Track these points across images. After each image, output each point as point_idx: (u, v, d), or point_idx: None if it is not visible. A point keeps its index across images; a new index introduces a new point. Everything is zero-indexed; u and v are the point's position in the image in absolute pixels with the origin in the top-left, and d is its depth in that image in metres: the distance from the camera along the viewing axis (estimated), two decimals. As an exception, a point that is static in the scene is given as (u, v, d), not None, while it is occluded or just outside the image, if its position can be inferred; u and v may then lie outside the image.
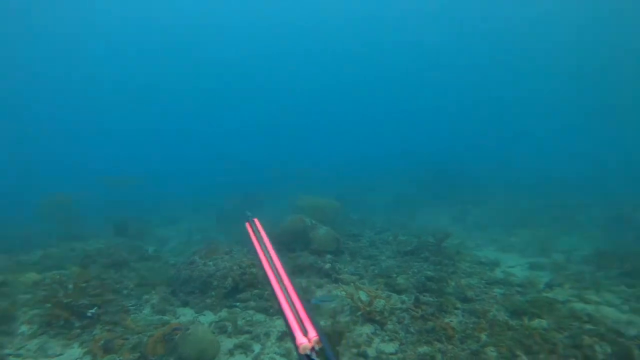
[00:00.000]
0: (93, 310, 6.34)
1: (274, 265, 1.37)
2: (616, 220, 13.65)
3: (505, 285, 8.23)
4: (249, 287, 7.39)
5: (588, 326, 5.90)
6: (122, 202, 19.88)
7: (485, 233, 13.45)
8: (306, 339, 1.00)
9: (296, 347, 0.98)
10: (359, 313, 6.55)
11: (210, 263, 7.51)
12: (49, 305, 6.26)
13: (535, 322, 6.13)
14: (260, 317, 6.72)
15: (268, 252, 1.43)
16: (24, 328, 6.06)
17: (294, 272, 8.60)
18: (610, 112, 45.76)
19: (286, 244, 10.00)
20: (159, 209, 18.90)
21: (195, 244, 12.80)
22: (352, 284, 7.63)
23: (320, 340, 1.00)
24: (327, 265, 8.58)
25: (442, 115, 56.88)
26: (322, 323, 5.88)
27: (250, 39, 56.39)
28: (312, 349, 0.99)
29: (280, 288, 1.25)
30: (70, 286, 6.59)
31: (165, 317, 6.75)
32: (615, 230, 12.44)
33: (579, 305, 6.95)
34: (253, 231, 1.55)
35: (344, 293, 7.45)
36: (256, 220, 1.61)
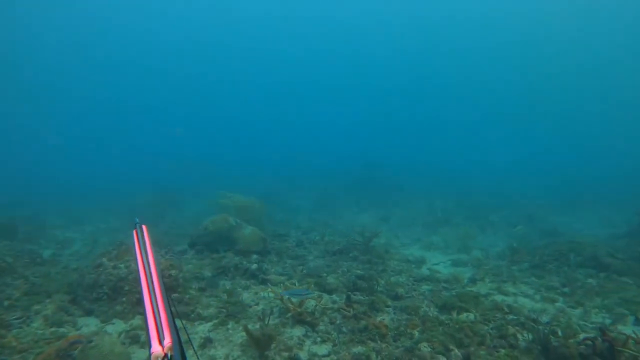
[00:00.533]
0: (-41, 327, 5.12)
1: (150, 272, 1.29)
2: (527, 219, 15.24)
3: (432, 282, 8.52)
4: (168, 291, 6.61)
5: (511, 316, 6.29)
6: (11, 200, 17.10)
7: (408, 232, 14.03)
8: (160, 347, 0.97)
9: (149, 356, 0.95)
10: (289, 315, 6.22)
11: (122, 265, 6.58)
12: None
13: (464, 316, 6.36)
14: (179, 323, 6.02)
15: (147, 259, 1.37)
16: None
17: (218, 273, 8.00)
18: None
19: (209, 245, 9.30)
20: (59, 209, 16.55)
21: (102, 247, 11.38)
22: (281, 284, 7.26)
23: (171, 348, 0.98)
24: (254, 266, 8.11)
25: (370, 121, 59.07)
26: (250, 326, 5.43)
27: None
28: (165, 356, 0.96)
29: (150, 294, 1.17)
30: None
31: (63, 329, 5.72)
32: (526, 228, 13.79)
33: (499, 298, 7.42)
34: (138, 238, 1.50)
35: (272, 294, 7.07)
36: (144, 227, 1.58)
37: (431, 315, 6.52)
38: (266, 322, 5.81)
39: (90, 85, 53.48)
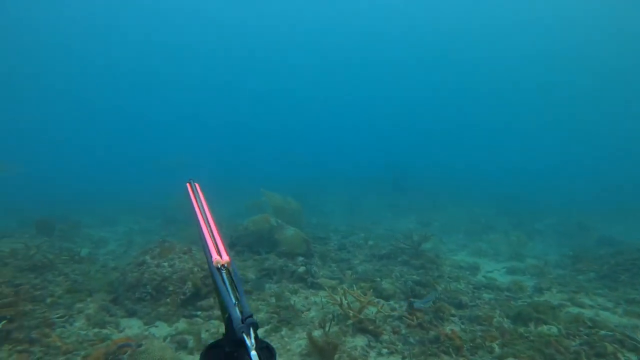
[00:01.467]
0: None
1: (204, 211, 1.37)
2: (578, 227, 14.19)
3: (493, 290, 7.82)
4: (213, 292, 6.12)
5: (603, 332, 5.49)
6: (45, 201, 17.20)
7: (452, 238, 13.24)
8: (220, 258, 1.14)
9: (210, 262, 1.14)
10: (349, 322, 5.61)
11: (165, 264, 6.14)
12: None
13: (544, 329, 5.61)
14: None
15: (202, 204, 1.41)
16: None
17: (262, 276, 7.48)
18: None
19: (250, 246, 8.81)
20: (91, 209, 16.49)
21: (138, 248, 11.09)
22: (339, 289, 6.66)
23: (230, 264, 1.16)
24: (301, 269, 7.55)
25: (404, 125, 57.85)
26: (314, 334, 4.87)
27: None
28: (223, 266, 1.14)
29: (206, 224, 1.29)
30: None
31: (105, 331, 5.29)
32: (578, 236, 12.81)
33: (574, 310, 6.61)
34: (192, 191, 1.51)
35: (323, 300, 6.49)
36: (197, 185, 1.55)
37: (506, 326, 5.80)
38: (327, 330, 5.22)
39: (118, 88, 54.48)
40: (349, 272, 8.24)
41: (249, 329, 0.92)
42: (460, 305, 6.72)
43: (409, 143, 51.12)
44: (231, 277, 1.13)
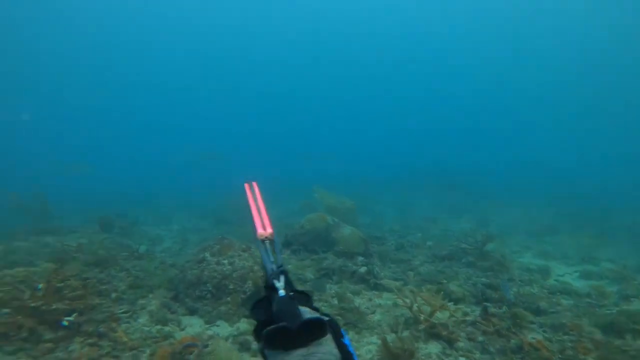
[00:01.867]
0: (71, 318, 4.71)
1: (257, 198, 1.63)
2: None
3: (570, 295, 7.03)
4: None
5: None
6: (103, 198, 18.01)
7: (513, 239, 12.24)
8: (264, 231, 1.42)
9: (255, 235, 1.41)
10: (421, 327, 5.09)
11: (225, 261, 5.94)
12: (6, 310, 4.60)
13: (647, 342, 4.81)
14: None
15: (256, 196, 1.65)
16: (-30, 342, 4.39)
17: (321, 276, 7.12)
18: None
19: (306, 245, 8.50)
20: (146, 207, 17.03)
21: (193, 246, 11.17)
22: (405, 291, 6.17)
23: (272, 235, 1.42)
24: (362, 269, 7.11)
25: (452, 122, 55.56)
26: (387, 337, 4.43)
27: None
28: (267, 238, 1.40)
29: (255, 205, 1.57)
30: (40, 286, 4.94)
31: (168, 328, 5.16)
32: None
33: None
34: (250, 188, 1.74)
35: (389, 302, 6.02)
36: (254, 183, 1.77)
37: (597, 337, 5.05)
38: (399, 334, 4.75)
39: (169, 87, 56.31)
40: (411, 273, 7.69)
41: (279, 276, 1.16)
42: (538, 311, 6.05)
43: (456, 141, 48.90)
44: (272, 245, 1.38)
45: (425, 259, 8.81)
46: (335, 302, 6.10)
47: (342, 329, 1.03)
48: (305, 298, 1.14)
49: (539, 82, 50.99)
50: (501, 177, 28.07)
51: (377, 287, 6.67)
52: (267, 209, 1.55)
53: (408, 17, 51.08)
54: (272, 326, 0.85)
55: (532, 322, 5.67)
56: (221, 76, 58.05)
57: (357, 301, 6.15)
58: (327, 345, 0.87)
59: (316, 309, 1.07)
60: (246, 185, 1.76)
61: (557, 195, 20.04)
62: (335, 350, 0.88)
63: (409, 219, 14.93)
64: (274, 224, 1.45)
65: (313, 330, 0.87)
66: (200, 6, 49.23)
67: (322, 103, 59.76)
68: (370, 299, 6.24)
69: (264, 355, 0.92)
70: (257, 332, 0.95)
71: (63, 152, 35.94)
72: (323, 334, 0.88)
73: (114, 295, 5.76)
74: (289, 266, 6.95)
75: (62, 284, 5.20)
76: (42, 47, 44.96)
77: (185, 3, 48.61)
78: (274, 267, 1.26)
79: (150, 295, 5.97)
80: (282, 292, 1.07)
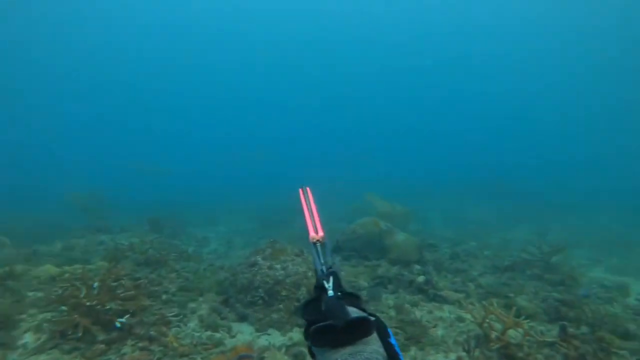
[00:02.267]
0: (123, 320, 4.59)
1: (310, 203, 1.67)
2: None
3: (667, 319, 6.05)
4: (328, 300, 5.48)
5: None
6: (153, 199, 18.55)
7: (577, 252, 11.09)
8: (315, 234, 1.47)
9: (308, 238, 1.46)
10: (494, 347, 4.50)
11: (278, 266, 5.65)
12: (65, 308, 4.55)
13: None
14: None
15: (309, 202, 1.69)
16: (28, 338, 4.37)
17: (376, 284, 6.66)
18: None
19: (357, 250, 8.08)
20: (193, 209, 17.31)
21: (238, 249, 11.09)
22: (472, 304, 5.60)
23: (324, 238, 1.46)
24: (420, 278, 6.58)
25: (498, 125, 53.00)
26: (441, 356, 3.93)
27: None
28: (318, 241, 1.45)
29: (308, 209, 1.62)
30: (96, 284, 4.88)
31: (218, 335, 4.93)
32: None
33: None
34: (303, 194, 1.74)
35: (451, 315, 5.46)
36: (308, 189, 1.78)
37: None
38: (472, 354, 4.21)
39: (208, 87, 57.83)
40: (471, 284, 7.04)
41: (329, 277, 1.21)
42: (627, 335, 5.22)
43: (503, 144, 46.38)
44: (323, 247, 1.45)
45: (484, 270, 8.10)
46: (393, 313, 5.63)
47: (389, 329, 1.04)
48: (354, 299, 1.14)
49: (589, 76, 47.23)
50: (558, 182, 26.12)
51: (437, 299, 6.11)
52: (320, 213, 1.63)
53: (435, 18, 49.42)
54: (319, 324, 0.87)
55: (622, 348, 4.90)
56: (267, 81, 58.77)
57: (417, 313, 5.64)
58: (374, 344, 0.88)
59: (364, 310, 1.07)
60: (300, 190, 1.80)
61: (625, 204, 18.26)
62: (382, 350, 0.89)
63: (460, 227, 14.07)
64: (324, 228, 1.51)
65: (359, 329, 0.88)
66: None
67: (366, 107, 58.93)
68: (430, 312, 5.71)
69: (312, 353, 0.97)
70: (307, 331, 0.97)
71: (111, 153, 37.85)
72: (369, 333, 0.89)
73: (164, 297, 5.64)
74: (342, 273, 6.56)
75: (115, 284, 5.13)
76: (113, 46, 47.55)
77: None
78: (324, 268, 1.32)
79: (200, 299, 5.80)
80: (331, 293, 1.11)
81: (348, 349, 0.84)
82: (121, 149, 39.31)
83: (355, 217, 12.81)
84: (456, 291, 6.39)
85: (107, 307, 4.65)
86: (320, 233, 1.48)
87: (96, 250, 8.48)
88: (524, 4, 44.02)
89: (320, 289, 1.17)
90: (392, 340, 1.00)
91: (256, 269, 5.68)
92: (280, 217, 13.78)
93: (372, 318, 0.96)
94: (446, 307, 5.82)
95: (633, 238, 12.57)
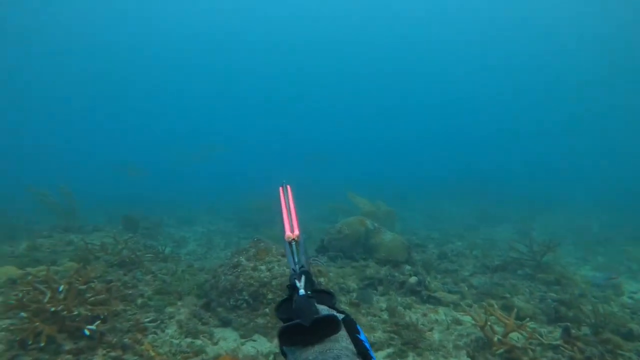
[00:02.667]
0: (93, 327, 4.13)
1: (289, 201, 1.67)
2: None
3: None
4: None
5: None
6: (127, 197, 17.76)
7: (563, 250, 11.19)
8: (291, 234, 1.44)
9: (284, 237, 1.44)
10: (498, 351, 4.30)
11: (263, 267, 5.28)
12: (25, 314, 4.06)
13: None
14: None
15: (288, 199, 1.69)
16: (-19, 350, 3.86)
17: (365, 286, 6.39)
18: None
19: (343, 251, 7.79)
20: (169, 208, 16.64)
21: (218, 249, 10.62)
22: (451, 305, 5.39)
23: (299, 237, 1.44)
24: (412, 279, 6.34)
25: (474, 126, 53.78)
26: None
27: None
28: (293, 239, 1.42)
29: (286, 207, 1.61)
30: (62, 287, 4.39)
31: (199, 342, 4.54)
32: None
33: None
34: (283, 192, 1.76)
35: (446, 318, 5.24)
36: (288, 187, 1.80)
37: None
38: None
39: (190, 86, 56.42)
40: (463, 285, 6.87)
41: (300, 276, 1.21)
42: (631, 336, 5.13)
43: (480, 145, 47.19)
44: (298, 246, 1.42)
45: (475, 270, 7.97)
46: (386, 316, 5.36)
47: (357, 325, 1.02)
48: (326, 297, 1.19)
49: (570, 80, 48.66)
50: (536, 182, 26.67)
51: (431, 301, 5.90)
52: (298, 212, 1.64)
53: (432, 19, 49.93)
54: (287, 324, 0.87)
55: (629, 350, 4.80)
56: (248, 80, 57.79)
57: (411, 316, 5.40)
58: (343, 341, 0.89)
59: (335, 307, 1.13)
60: (280, 188, 1.81)
61: (603, 201, 18.76)
62: (351, 346, 0.89)
63: (443, 226, 14.04)
64: (302, 227, 1.51)
65: (327, 327, 0.88)
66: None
67: (342, 106, 58.91)
68: (424, 314, 5.47)
69: (283, 353, 0.98)
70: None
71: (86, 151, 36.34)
72: (337, 330, 0.89)
73: (139, 301, 5.17)
74: (331, 274, 6.25)
75: (84, 287, 4.65)
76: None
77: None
78: (297, 267, 1.32)
79: (179, 303, 5.36)
80: (301, 292, 1.10)
81: (317, 347, 0.85)
82: (94, 144, 37.86)
83: (336, 217, 12.59)
84: (450, 292, 6.19)
85: (75, 312, 4.18)
86: (296, 232, 1.49)
87: (64, 250, 7.85)
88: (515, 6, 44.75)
89: (292, 288, 1.18)
90: (362, 336, 0.98)
91: (239, 270, 5.30)
92: (261, 217, 13.35)
93: (341, 315, 1.00)
94: (441, 309, 5.60)
95: (612, 236, 12.86)
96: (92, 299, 4.54)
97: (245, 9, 49.39)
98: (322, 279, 5.40)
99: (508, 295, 6.12)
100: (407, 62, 55.15)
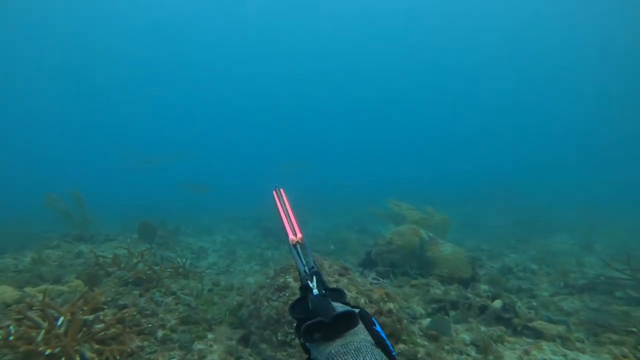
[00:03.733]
0: (101, 375, 3.01)
1: (285, 205, 1.73)
2: None
3: None
4: (389, 337, 3.96)
5: None
6: (142, 204, 16.87)
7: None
8: (294, 237, 1.53)
9: (287, 240, 1.53)
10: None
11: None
12: (9, 358, 2.97)
13: None
14: None
15: (285, 205, 1.73)
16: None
17: (435, 310, 5.17)
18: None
19: (395, 265, 6.60)
20: (185, 215, 15.62)
21: (242, 262, 9.51)
22: (557, 339, 4.13)
23: (302, 239, 1.53)
24: (497, 303, 5.10)
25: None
26: None
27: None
28: (297, 242, 1.51)
29: (284, 211, 1.69)
30: (62, 319, 3.30)
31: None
32: None
33: None
34: (277, 196, 1.81)
35: (557, 358, 3.99)
36: (282, 190, 1.85)
37: None
38: None
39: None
40: (553, 309, 5.58)
41: (312, 277, 1.28)
42: None
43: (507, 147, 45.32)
44: (303, 248, 1.50)
45: (555, 289, 6.65)
46: (474, 353, 4.13)
47: (373, 318, 1.06)
48: (338, 294, 1.25)
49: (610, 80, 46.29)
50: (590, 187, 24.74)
51: (526, 332, 4.63)
52: (295, 213, 1.67)
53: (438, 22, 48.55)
54: (309, 322, 0.94)
55: None
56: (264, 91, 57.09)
57: (507, 353, 4.15)
58: (361, 333, 0.96)
59: (348, 304, 1.19)
60: (274, 192, 1.82)
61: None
62: (369, 337, 0.95)
63: (483, 236, 12.72)
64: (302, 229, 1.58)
65: (346, 322, 0.95)
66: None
67: (362, 109, 57.77)
68: (526, 352, 4.21)
69: (305, 349, 1.08)
70: (298, 329, 1.06)
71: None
72: (355, 324, 0.97)
73: (160, 333, 4.04)
74: (390, 290, 5.04)
75: (91, 317, 3.56)
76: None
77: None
78: (307, 269, 1.36)
79: (210, 336, 4.21)
80: (315, 291, 1.18)
81: (339, 341, 0.91)
82: (107, 149, 37.36)
83: (372, 226, 11.42)
84: (550, 321, 4.89)
85: (77, 356, 3.07)
86: (299, 234, 1.55)
87: (73, 264, 6.82)
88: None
89: (306, 289, 1.24)
90: (377, 328, 1.03)
91: (287, 295, 4.13)
92: (276, 226, 12.24)
93: (357, 310, 1.06)
94: (544, 344, 4.34)
95: None
96: (101, 333, 3.44)
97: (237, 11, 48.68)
98: (391, 305, 4.20)
99: (635, 330, 4.78)
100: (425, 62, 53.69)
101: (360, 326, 0.98)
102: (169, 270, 6.50)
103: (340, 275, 4.37)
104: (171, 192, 21.85)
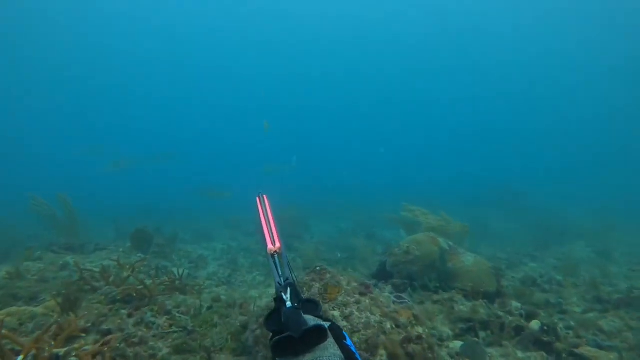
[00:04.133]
0: None
1: (268, 216, 1.81)
2: None
3: None
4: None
5: None
6: (137, 209, 16.23)
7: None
8: (273, 246, 1.61)
9: (266, 250, 1.61)
10: None
11: (336, 313, 3.50)
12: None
13: None
14: None
15: (267, 212, 1.83)
16: None
17: (463, 331, 4.55)
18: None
19: (412, 277, 5.98)
20: (183, 220, 14.99)
21: (244, 272, 8.87)
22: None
23: (280, 249, 1.61)
24: (534, 324, 4.49)
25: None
26: None
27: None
28: (275, 252, 1.60)
29: (265, 220, 1.75)
30: (22, 359, 2.68)
31: None
32: None
33: None
34: (260, 202, 1.88)
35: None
36: (265, 196, 1.89)
37: None
38: None
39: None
40: (592, 329, 4.97)
41: (286, 288, 1.33)
42: None
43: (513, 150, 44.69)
44: (280, 258, 1.61)
45: (586, 305, 6.05)
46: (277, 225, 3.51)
47: (344, 332, 1.07)
48: (312, 306, 1.28)
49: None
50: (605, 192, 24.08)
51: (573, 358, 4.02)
52: (276, 222, 1.72)
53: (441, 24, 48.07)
54: (278, 337, 0.96)
55: None
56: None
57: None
58: (331, 348, 0.96)
59: (321, 317, 1.20)
60: (257, 199, 1.92)
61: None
62: (339, 352, 0.96)
63: (496, 243, 12.14)
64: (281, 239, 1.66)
65: (315, 337, 0.96)
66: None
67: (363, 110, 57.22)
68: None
69: None
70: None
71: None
72: (325, 339, 0.98)
73: (151, 367, 3.42)
74: (417, 310, 4.43)
75: (62, 350, 2.93)
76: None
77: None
78: (282, 280, 1.43)
79: (210, 366, 3.59)
80: (289, 304, 1.21)
81: (308, 356, 0.93)
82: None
83: (379, 231, 10.85)
84: (599, 347, 4.27)
85: (41, 405, 2.45)
86: (278, 244, 1.65)
87: (56, 277, 6.19)
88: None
89: (280, 301, 1.28)
90: (348, 342, 1.04)
91: (300, 318, 3.53)
92: (287, 231, 11.61)
93: (327, 323, 1.10)
94: (598, 375, 3.73)
95: None
96: (76, 371, 2.82)
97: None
98: (419, 329, 3.59)
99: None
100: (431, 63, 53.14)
101: (330, 341, 1.00)
102: (165, 284, 5.87)
103: (362, 294, 3.75)
104: (171, 192, 21.29)
